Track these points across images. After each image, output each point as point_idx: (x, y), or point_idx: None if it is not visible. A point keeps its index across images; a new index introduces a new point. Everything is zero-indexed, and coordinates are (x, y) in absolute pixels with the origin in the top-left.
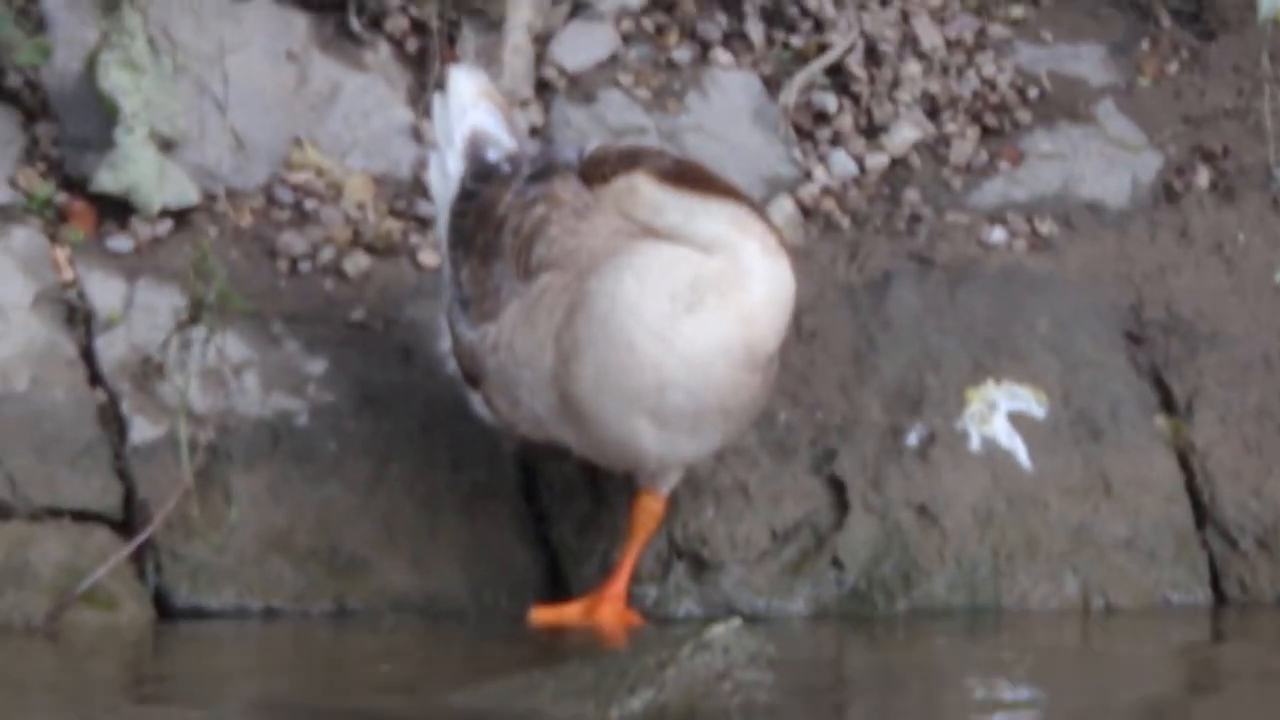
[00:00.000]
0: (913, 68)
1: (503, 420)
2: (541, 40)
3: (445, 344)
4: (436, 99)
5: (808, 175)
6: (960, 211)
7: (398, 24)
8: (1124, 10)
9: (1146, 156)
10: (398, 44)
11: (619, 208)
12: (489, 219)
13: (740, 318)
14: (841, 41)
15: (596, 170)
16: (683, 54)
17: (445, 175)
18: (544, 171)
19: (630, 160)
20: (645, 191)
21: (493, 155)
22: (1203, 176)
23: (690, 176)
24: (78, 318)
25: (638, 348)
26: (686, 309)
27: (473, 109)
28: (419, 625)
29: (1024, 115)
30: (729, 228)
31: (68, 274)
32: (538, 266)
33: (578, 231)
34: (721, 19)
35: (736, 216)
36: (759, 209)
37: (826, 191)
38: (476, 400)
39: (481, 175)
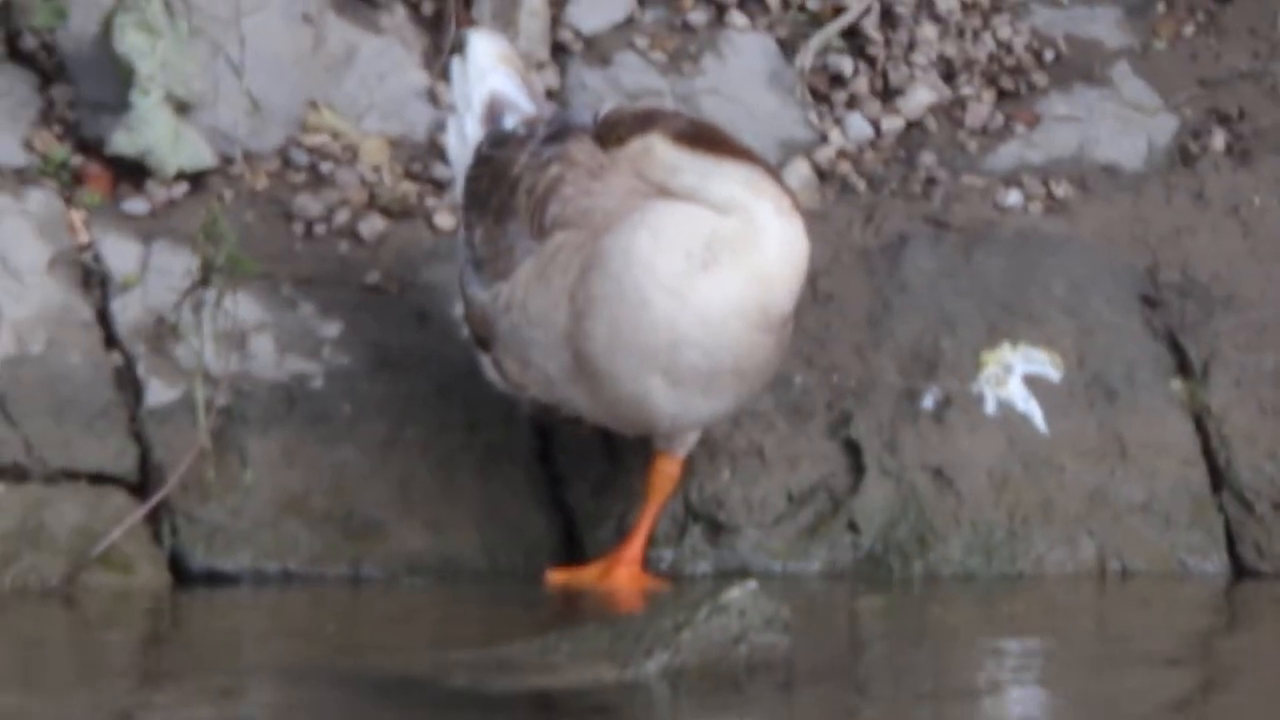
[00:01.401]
0: (928, 30)
1: (513, 383)
2: (557, 3)
3: (459, 308)
4: (455, 62)
5: (823, 138)
6: (976, 174)
7: None
8: None
9: (1162, 119)
10: (413, 6)
11: (634, 169)
12: (503, 179)
13: (755, 277)
14: (857, 4)
15: (611, 132)
16: (698, 16)
17: (464, 140)
18: (559, 133)
19: (645, 121)
20: (660, 152)
21: (510, 121)
22: (1218, 139)
23: (705, 138)
24: (93, 280)
25: (652, 304)
26: (702, 267)
27: (491, 73)
28: (435, 588)
29: (1039, 78)
30: (743, 189)
31: (83, 237)
32: (552, 225)
33: (591, 191)
34: None
35: (750, 178)
36: (773, 171)
37: (842, 154)
38: (487, 363)
39: (498, 142)
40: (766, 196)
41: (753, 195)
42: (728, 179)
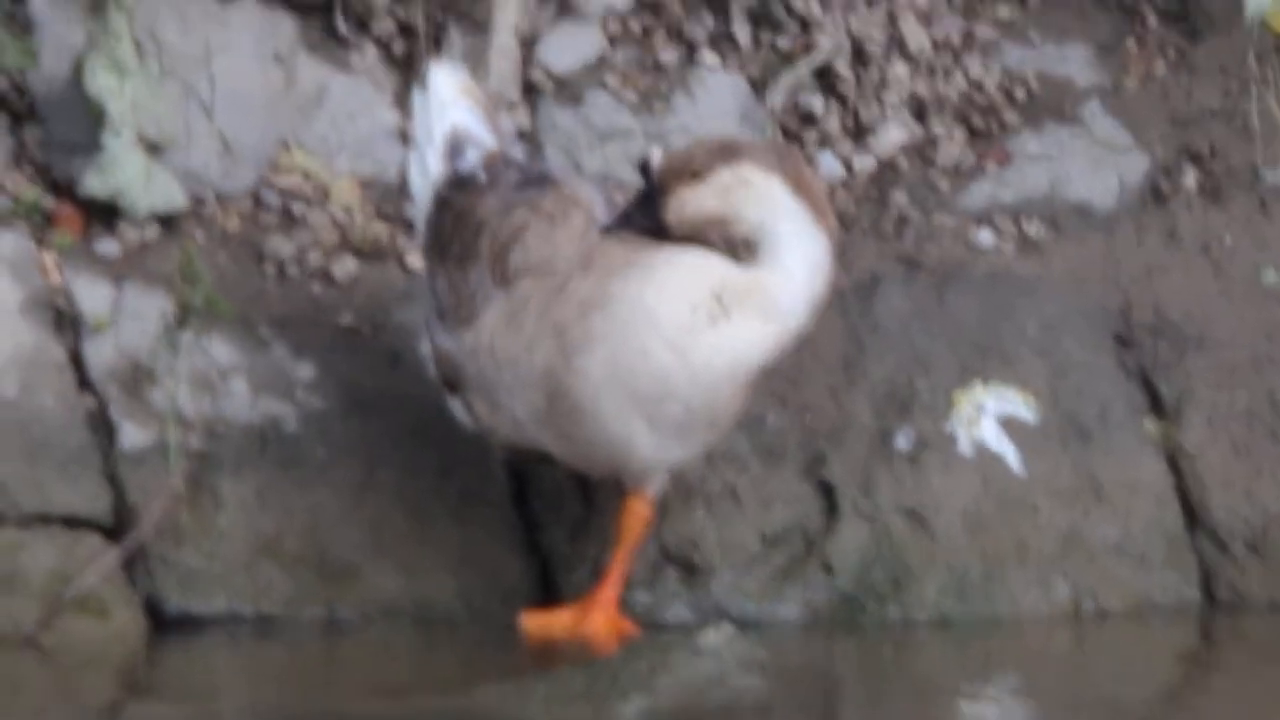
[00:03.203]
0: (900, 69)
1: (482, 424)
2: (528, 42)
3: (426, 347)
4: (417, 95)
5: None
6: (948, 214)
7: (384, 26)
8: (1110, 11)
9: (1133, 158)
10: (384, 46)
11: (723, 215)
12: (466, 224)
13: (759, 340)
14: (828, 43)
15: (685, 167)
16: (669, 56)
17: (425, 173)
18: (535, 181)
19: (730, 153)
20: (775, 198)
21: (470, 159)
22: (1190, 178)
23: (809, 185)
24: (66, 322)
25: (650, 355)
26: (708, 320)
27: (453, 106)
28: (410, 631)
29: (1011, 117)
30: (806, 270)
31: (56, 278)
32: (514, 273)
33: (553, 240)
34: (708, 20)
35: (819, 255)
36: (836, 241)
37: None
38: (457, 406)
39: (456, 184)
40: (820, 280)
41: (808, 273)
42: (804, 252)
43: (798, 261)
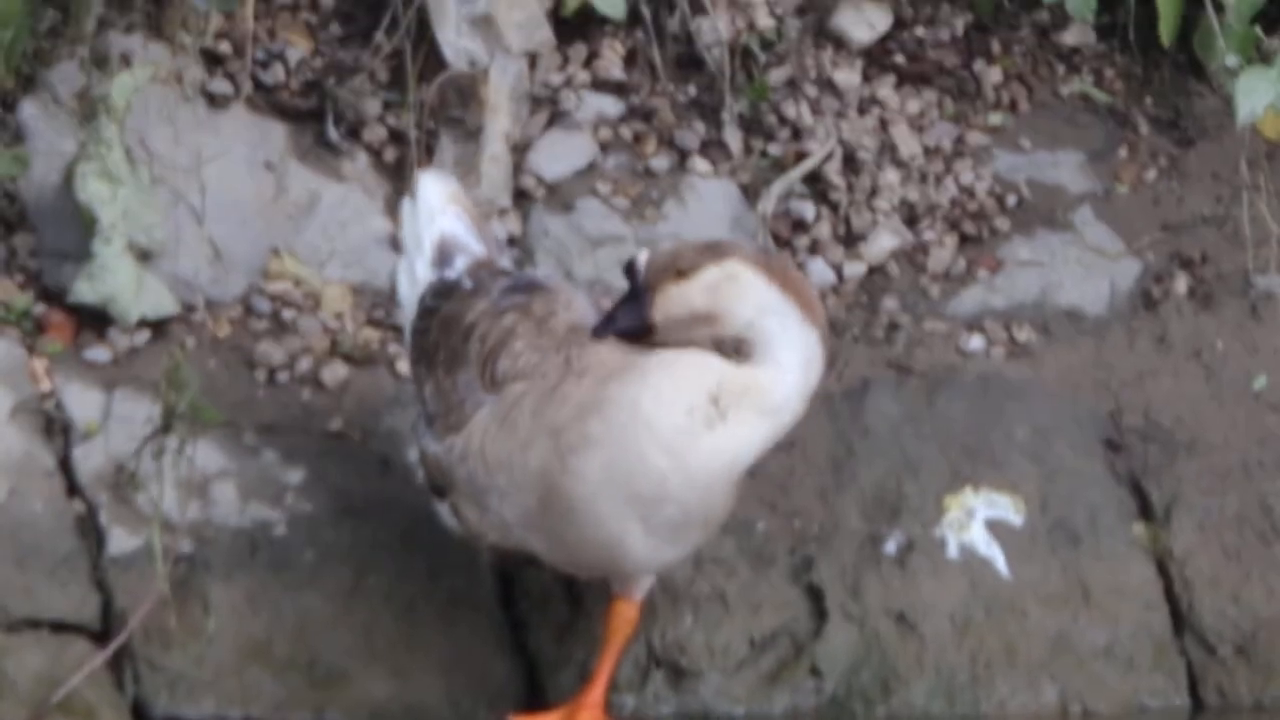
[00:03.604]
0: (891, 176)
1: (470, 529)
2: (519, 149)
3: (414, 453)
4: (406, 203)
5: None
6: (938, 319)
7: (376, 133)
8: (1102, 118)
9: (1125, 263)
10: (376, 154)
11: (711, 312)
12: (454, 329)
13: (756, 442)
14: (819, 150)
15: (671, 266)
16: (661, 162)
17: (414, 281)
18: (525, 287)
19: (716, 251)
20: (761, 295)
21: (458, 266)
22: (1181, 283)
23: (791, 280)
24: (55, 428)
25: (647, 458)
26: (705, 424)
27: (441, 214)
28: None
29: (1002, 223)
30: (799, 364)
31: (45, 385)
32: (503, 378)
33: (540, 346)
34: (700, 127)
35: (812, 349)
36: (827, 335)
37: None
38: (444, 510)
39: (442, 292)
40: (812, 375)
41: (802, 371)
42: (794, 345)
43: (791, 356)
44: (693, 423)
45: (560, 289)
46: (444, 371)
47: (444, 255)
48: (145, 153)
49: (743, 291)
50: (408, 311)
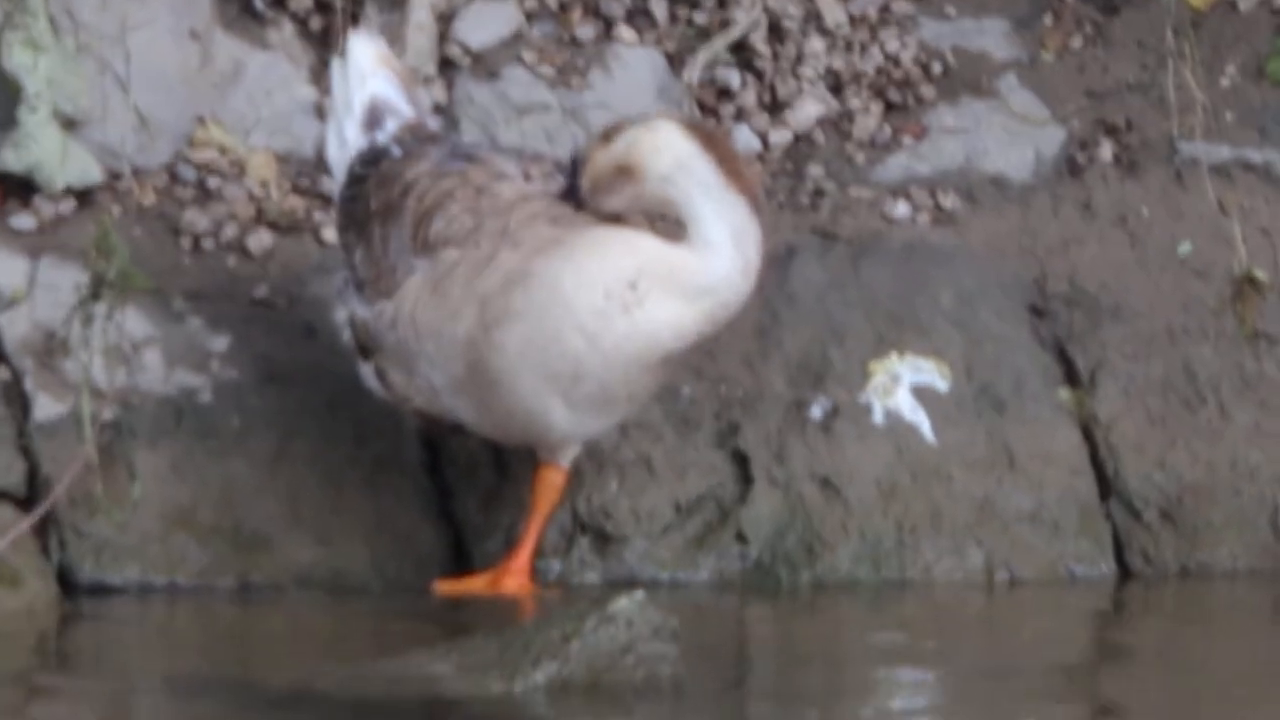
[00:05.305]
0: (816, 44)
1: (395, 393)
2: (445, 18)
3: (340, 315)
4: (335, 65)
5: None
6: (864, 186)
7: (301, 2)
8: None
9: (1050, 130)
10: (301, 22)
11: (629, 164)
12: (393, 183)
13: (676, 327)
14: (745, 18)
15: (601, 133)
16: (586, 31)
17: (343, 143)
18: (466, 155)
19: (646, 118)
20: (678, 147)
21: (387, 129)
22: (1106, 150)
23: (720, 146)
24: None
25: (563, 338)
26: (621, 308)
27: (372, 76)
28: (323, 601)
29: (927, 90)
30: (729, 239)
31: None
32: (435, 241)
33: (478, 210)
34: None
35: (743, 224)
36: (760, 204)
37: None
38: (369, 372)
39: (371, 160)
40: (744, 253)
41: (733, 248)
42: (723, 218)
43: (719, 230)
44: (609, 305)
45: (495, 158)
46: (378, 226)
47: (374, 117)
48: (71, 21)
49: (659, 141)
50: (337, 176)
